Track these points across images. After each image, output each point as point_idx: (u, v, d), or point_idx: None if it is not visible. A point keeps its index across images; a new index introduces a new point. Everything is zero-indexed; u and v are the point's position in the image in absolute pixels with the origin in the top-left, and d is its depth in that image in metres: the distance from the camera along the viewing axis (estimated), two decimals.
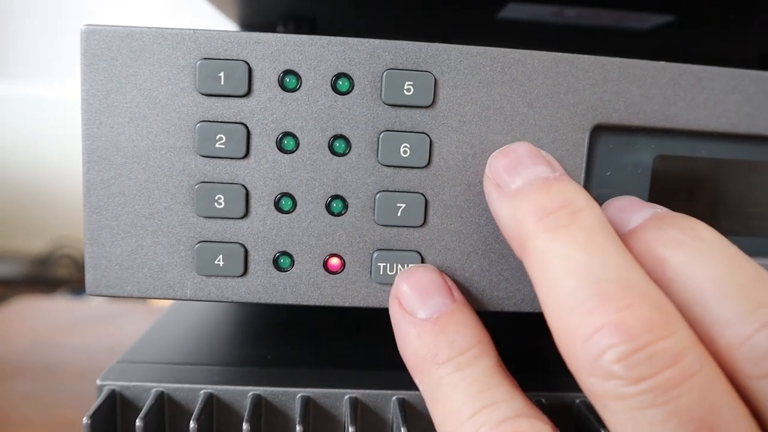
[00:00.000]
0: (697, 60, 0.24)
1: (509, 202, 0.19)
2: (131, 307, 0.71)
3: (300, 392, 0.23)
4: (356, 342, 0.28)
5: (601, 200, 0.23)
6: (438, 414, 0.19)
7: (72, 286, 1.20)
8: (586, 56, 0.22)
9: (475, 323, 0.20)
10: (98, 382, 0.23)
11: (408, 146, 0.21)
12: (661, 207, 0.20)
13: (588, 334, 0.16)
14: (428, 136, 0.21)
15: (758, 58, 0.41)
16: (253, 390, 0.23)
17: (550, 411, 0.23)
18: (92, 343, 0.56)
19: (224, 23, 0.46)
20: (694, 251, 0.18)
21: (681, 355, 0.15)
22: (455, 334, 0.19)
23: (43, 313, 0.65)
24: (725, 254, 0.18)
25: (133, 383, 0.23)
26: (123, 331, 0.60)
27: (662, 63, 0.22)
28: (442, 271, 0.22)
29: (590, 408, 0.23)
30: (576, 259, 0.17)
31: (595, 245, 0.17)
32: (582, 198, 0.19)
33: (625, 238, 0.19)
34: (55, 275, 1.21)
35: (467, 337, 0.19)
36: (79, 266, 1.21)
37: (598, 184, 0.23)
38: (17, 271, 1.20)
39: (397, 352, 0.27)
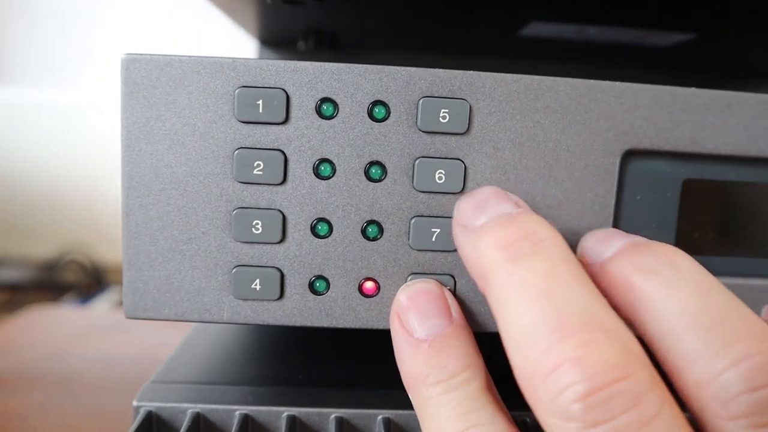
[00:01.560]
0: (721, 74, 0.24)
1: (472, 238, 0.20)
2: None
3: (334, 413, 0.23)
4: (388, 363, 0.29)
5: (632, 224, 0.23)
6: (425, 431, 0.20)
7: (79, 291, 1.20)
8: (617, 83, 0.22)
9: (468, 347, 0.20)
10: (135, 403, 0.23)
11: (443, 172, 0.22)
12: (640, 237, 0.20)
13: (548, 371, 0.16)
14: (463, 162, 0.22)
15: None
16: (287, 411, 0.23)
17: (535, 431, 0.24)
18: (105, 353, 0.57)
19: (244, 38, 0.46)
20: (667, 280, 0.18)
21: (639, 398, 0.15)
22: (448, 358, 0.20)
23: (53, 323, 0.65)
24: (698, 284, 0.18)
25: (169, 404, 0.23)
26: (135, 341, 0.60)
27: (692, 89, 0.23)
28: (477, 293, 0.22)
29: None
30: (536, 290, 0.17)
31: (557, 277, 0.17)
32: (545, 230, 0.19)
33: (600, 267, 0.19)
34: (62, 280, 1.22)
35: (459, 361, 0.20)
36: (87, 271, 1.21)
37: (629, 208, 0.23)
38: (25, 276, 1.20)
39: None
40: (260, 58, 0.21)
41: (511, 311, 0.17)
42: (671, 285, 0.17)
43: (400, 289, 0.22)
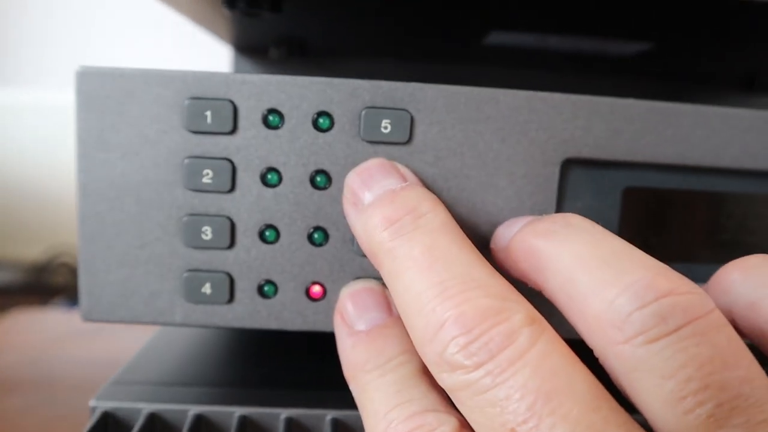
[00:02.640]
0: (680, 82, 0.25)
1: (361, 217, 0.21)
2: None
3: (283, 413, 0.24)
4: (337, 364, 0.29)
5: None
6: (363, 416, 0.20)
7: (69, 294, 1.20)
8: (556, 94, 0.23)
9: (406, 334, 0.21)
10: (91, 403, 0.24)
11: None
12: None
13: (433, 332, 0.17)
14: None
15: (741, 78, 0.42)
16: (239, 410, 0.24)
17: None
18: (88, 357, 0.57)
19: (218, 46, 0.47)
20: (562, 236, 0.19)
21: (514, 336, 0.16)
22: (385, 345, 0.21)
23: (38, 326, 0.66)
24: (591, 234, 0.19)
25: (124, 404, 0.24)
26: (118, 345, 0.61)
27: (630, 100, 0.23)
28: None
29: None
30: (419, 264, 0.18)
31: (437, 248, 0.18)
32: (425, 202, 0.20)
33: (506, 246, 0.21)
34: (52, 283, 1.22)
35: (395, 347, 0.21)
36: (76, 274, 1.22)
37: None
38: (14, 278, 1.21)
39: None
40: (212, 71, 0.22)
41: (399, 288, 0.19)
42: (566, 239, 0.18)
43: (343, 288, 0.23)
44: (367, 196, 0.21)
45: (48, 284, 1.21)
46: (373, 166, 0.22)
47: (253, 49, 0.45)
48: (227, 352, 0.31)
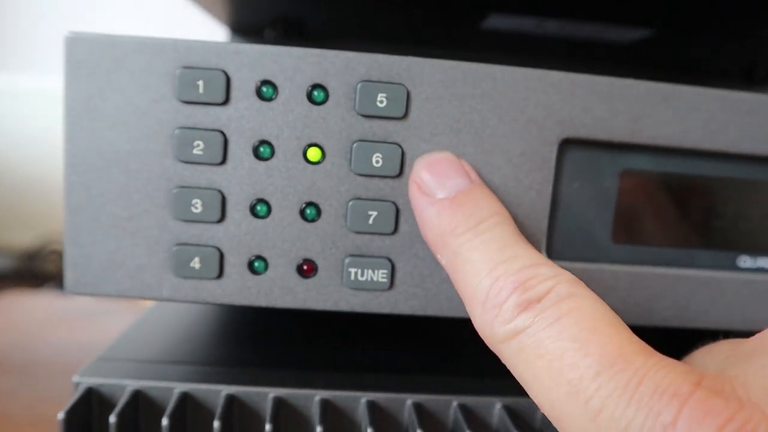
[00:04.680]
0: (679, 72, 0.24)
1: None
2: (116, 305, 0.71)
3: (271, 392, 0.24)
4: (328, 344, 0.29)
5: (569, 211, 0.24)
6: (459, 280, 0.20)
7: (60, 281, 1.20)
8: (555, 72, 0.23)
9: (493, 199, 0.21)
10: (74, 379, 0.23)
11: (380, 156, 0.22)
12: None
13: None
14: (400, 146, 0.22)
15: (740, 69, 0.42)
16: (226, 389, 0.23)
17: (515, 417, 0.24)
18: (76, 340, 0.57)
19: (215, 27, 0.46)
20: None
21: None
22: (473, 207, 0.21)
23: (27, 310, 0.65)
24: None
25: (108, 381, 0.23)
26: (107, 329, 0.60)
27: (629, 80, 0.23)
28: (413, 276, 0.23)
29: None
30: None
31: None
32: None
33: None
34: (43, 270, 1.21)
35: (485, 209, 0.21)
36: None
37: (567, 196, 0.24)
38: (5, 265, 1.20)
39: (368, 354, 0.28)
40: (205, 40, 0.22)
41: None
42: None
43: (416, 161, 0.22)
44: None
45: (39, 271, 1.20)
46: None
47: (249, 29, 0.45)
48: (215, 330, 0.30)
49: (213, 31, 0.49)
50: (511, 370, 0.19)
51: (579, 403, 0.16)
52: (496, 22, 0.35)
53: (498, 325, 0.18)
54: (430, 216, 0.21)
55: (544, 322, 0.17)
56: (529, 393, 0.18)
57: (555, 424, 0.17)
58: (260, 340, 0.29)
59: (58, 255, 1.22)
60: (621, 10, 0.33)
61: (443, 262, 0.21)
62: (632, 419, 0.15)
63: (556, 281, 0.18)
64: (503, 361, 0.19)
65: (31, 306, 0.67)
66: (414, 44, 0.41)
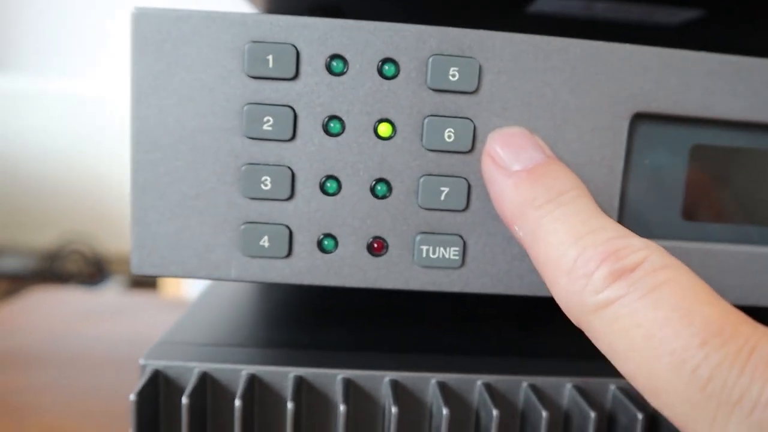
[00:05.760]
0: (729, 54, 0.24)
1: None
2: (143, 299, 0.71)
3: (340, 374, 0.23)
4: (393, 324, 0.29)
5: (639, 187, 0.23)
6: (541, 251, 0.19)
7: (81, 280, 1.20)
8: (627, 45, 0.22)
9: (571, 172, 0.21)
10: (141, 361, 0.23)
11: (452, 131, 0.22)
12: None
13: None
14: (472, 121, 0.22)
15: None
16: (294, 371, 0.23)
17: (586, 397, 0.24)
18: (108, 335, 0.57)
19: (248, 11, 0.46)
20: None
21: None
22: (553, 179, 0.20)
23: (57, 305, 0.65)
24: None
25: (176, 363, 0.23)
26: (133, 323, 0.60)
27: (702, 53, 0.23)
28: (484, 254, 0.22)
29: (627, 393, 0.23)
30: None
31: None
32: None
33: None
34: (64, 270, 1.22)
35: (565, 182, 0.20)
36: (89, 261, 1.21)
37: (637, 171, 0.23)
38: (27, 265, 1.20)
39: (437, 334, 0.27)
40: (274, 15, 0.21)
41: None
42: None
43: (489, 135, 0.22)
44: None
45: (61, 271, 1.20)
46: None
47: (285, 14, 0.44)
48: (273, 312, 0.30)
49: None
50: (599, 342, 0.18)
51: (684, 373, 0.16)
52: (543, 5, 0.35)
53: (588, 294, 0.18)
54: (507, 187, 0.20)
55: (640, 291, 0.17)
56: (619, 365, 0.18)
57: (651, 397, 0.17)
58: (320, 321, 0.29)
59: (79, 254, 1.23)
60: None
61: (520, 234, 0.20)
62: (747, 388, 0.15)
63: (648, 251, 0.18)
64: (590, 333, 0.18)
65: (60, 303, 0.67)
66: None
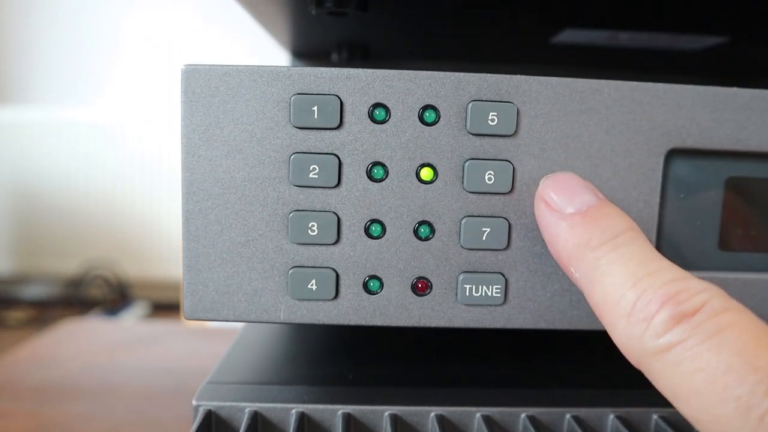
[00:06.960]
0: (754, 78, 0.24)
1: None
2: (177, 327, 0.72)
3: (387, 410, 0.24)
4: (438, 360, 0.29)
5: (676, 222, 0.24)
6: (598, 293, 0.20)
7: (105, 306, 1.21)
8: (660, 84, 0.23)
9: (624, 214, 0.21)
10: (194, 402, 0.24)
11: (492, 173, 0.22)
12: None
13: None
14: (511, 163, 0.22)
15: None
16: (342, 408, 0.24)
17: (629, 427, 0.24)
18: (143, 363, 0.58)
19: (276, 50, 0.47)
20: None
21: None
22: (607, 221, 0.20)
23: (89, 335, 0.66)
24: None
25: (227, 403, 0.24)
26: (166, 353, 0.61)
27: (734, 89, 0.23)
28: (526, 291, 0.23)
29: (669, 422, 0.24)
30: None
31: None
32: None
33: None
34: (88, 296, 1.23)
35: (619, 224, 0.20)
36: (112, 287, 1.23)
37: (673, 206, 0.24)
38: (51, 292, 1.22)
39: (481, 369, 0.28)
40: (317, 67, 0.22)
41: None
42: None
43: (541, 180, 0.22)
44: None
45: (85, 297, 1.22)
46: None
47: (313, 53, 0.45)
48: (314, 350, 0.30)
49: (268, 58, 0.50)
50: (660, 385, 0.18)
51: (751, 420, 0.16)
52: (569, 36, 0.35)
53: (649, 338, 0.18)
54: (562, 229, 0.21)
55: (702, 335, 0.17)
56: (680, 408, 0.18)
57: None
58: (360, 357, 0.29)
59: (103, 280, 1.24)
60: (695, 17, 0.33)
61: (576, 275, 0.21)
62: None
63: (709, 294, 0.18)
64: (650, 375, 0.18)
65: (90, 331, 0.68)
66: (479, 63, 0.41)
